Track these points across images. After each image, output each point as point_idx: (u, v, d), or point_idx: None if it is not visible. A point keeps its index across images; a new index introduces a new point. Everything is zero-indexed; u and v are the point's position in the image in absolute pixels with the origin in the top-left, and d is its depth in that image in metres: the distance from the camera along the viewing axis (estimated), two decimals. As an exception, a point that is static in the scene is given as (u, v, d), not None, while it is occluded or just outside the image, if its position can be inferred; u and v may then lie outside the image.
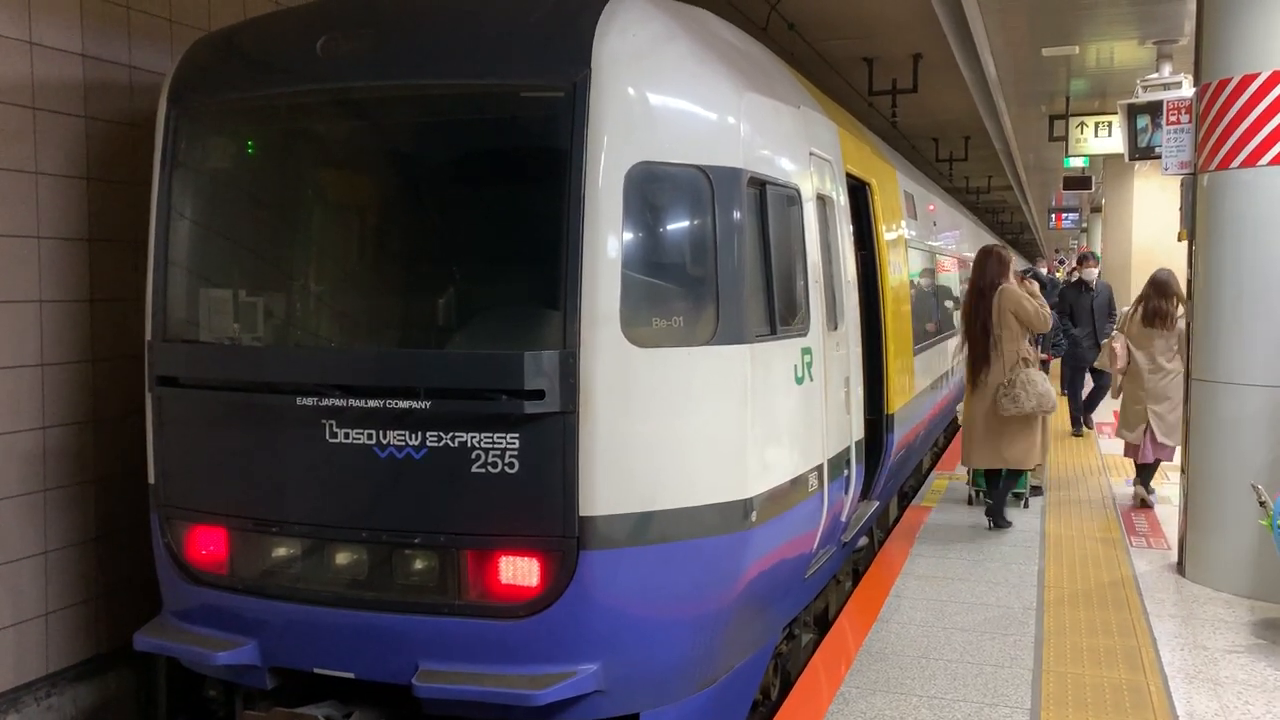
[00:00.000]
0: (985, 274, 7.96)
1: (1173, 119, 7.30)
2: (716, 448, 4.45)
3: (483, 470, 4.17)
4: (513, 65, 4.35)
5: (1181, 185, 7.34)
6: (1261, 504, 5.73)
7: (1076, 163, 18.43)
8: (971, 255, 16.93)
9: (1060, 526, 8.26)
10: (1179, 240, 7.89)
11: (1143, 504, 8.85)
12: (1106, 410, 15.04)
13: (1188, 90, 8.57)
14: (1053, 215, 33.02)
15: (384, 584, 4.37)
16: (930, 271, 11.54)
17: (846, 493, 5.98)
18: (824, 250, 5.63)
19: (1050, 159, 20.83)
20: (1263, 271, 6.38)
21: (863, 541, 7.60)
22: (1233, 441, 6.55)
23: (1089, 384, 12.78)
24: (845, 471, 5.89)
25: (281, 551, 4.57)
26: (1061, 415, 12.22)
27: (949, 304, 12.87)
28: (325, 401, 4.32)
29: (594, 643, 4.22)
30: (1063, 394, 12.21)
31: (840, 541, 6.18)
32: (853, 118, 9.06)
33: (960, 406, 9.18)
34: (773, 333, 4.80)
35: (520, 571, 4.21)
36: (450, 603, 4.27)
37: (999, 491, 8.21)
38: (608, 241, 4.16)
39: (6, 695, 5.16)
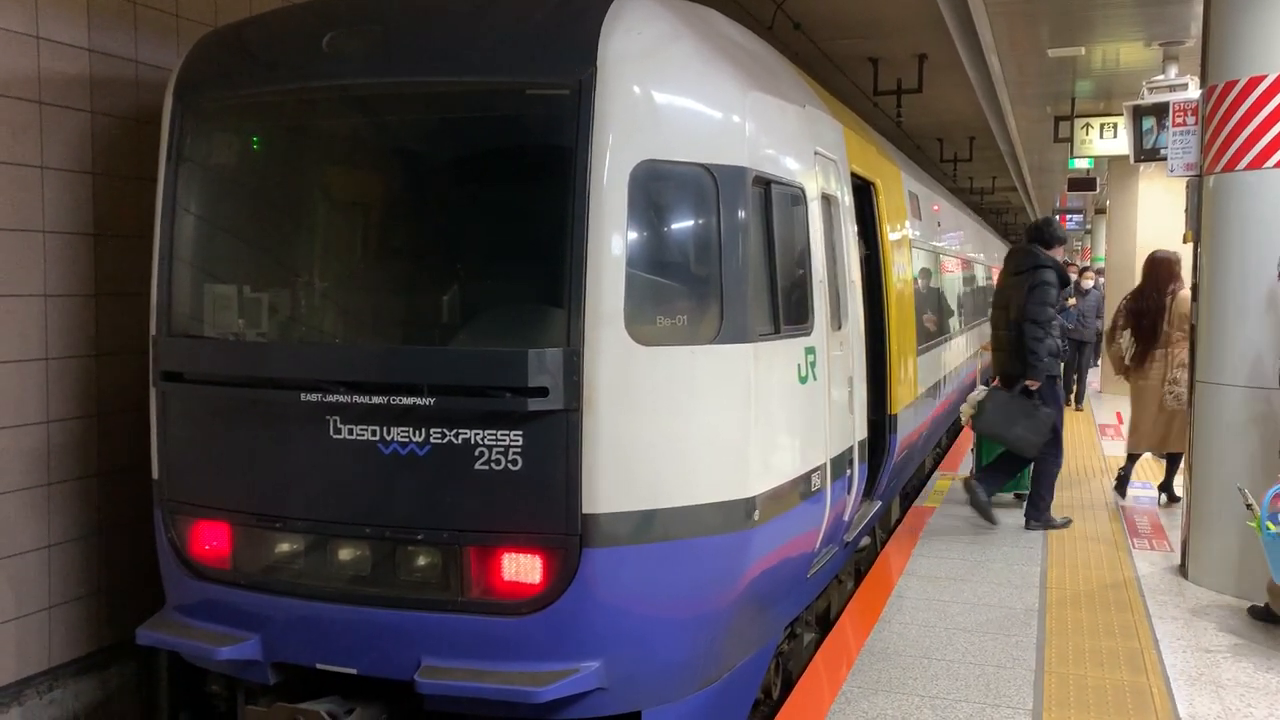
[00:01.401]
0: (1157, 279, 8.71)
1: (1179, 121, 7.29)
2: (719, 446, 4.45)
3: (486, 467, 4.17)
4: (518, 63, 4.35)
5: (1187, 187, 7.33)
6: (1248, 507, 5.71)
7: (1081, 164, 18.37)
8: (976, 256, 16.88)
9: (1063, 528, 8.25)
10: (1184, 242, 7.86)
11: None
12: (1109, 411, 15.04)
13: (1194, 92, 8.56)
14: (1057, 217, 32.99)
15: (387, 580, 4.38)
16: (934, 272, 11.52)
17: (849, 492, 5.97)
18: (828, 250, 5.62)
19: (1055, 160, 20.78)
20: (1268, 273, 6.36)
21: (865, 541, 7.60)
22: (1236, 444, 6.53)
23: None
24: (848, 471, 5.89)
25: (285, 547, 4.58)
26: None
27: (952, 305, 12.85)
28: (329, 398, 4.32)
29: (596, 640, 4.23)
30: None
31: (843, 541, 6.18)
32: (858, 117, 9.05)
33: (963, 408, 9.20)
34: (776, 332, 4.80)
35: (523, 568, 4.21)
36: (453, 599, 4.28)
37: (1171, 469, 9.07)
38: (612, 240, 4.16)
39: (9, 689, 5.17)
